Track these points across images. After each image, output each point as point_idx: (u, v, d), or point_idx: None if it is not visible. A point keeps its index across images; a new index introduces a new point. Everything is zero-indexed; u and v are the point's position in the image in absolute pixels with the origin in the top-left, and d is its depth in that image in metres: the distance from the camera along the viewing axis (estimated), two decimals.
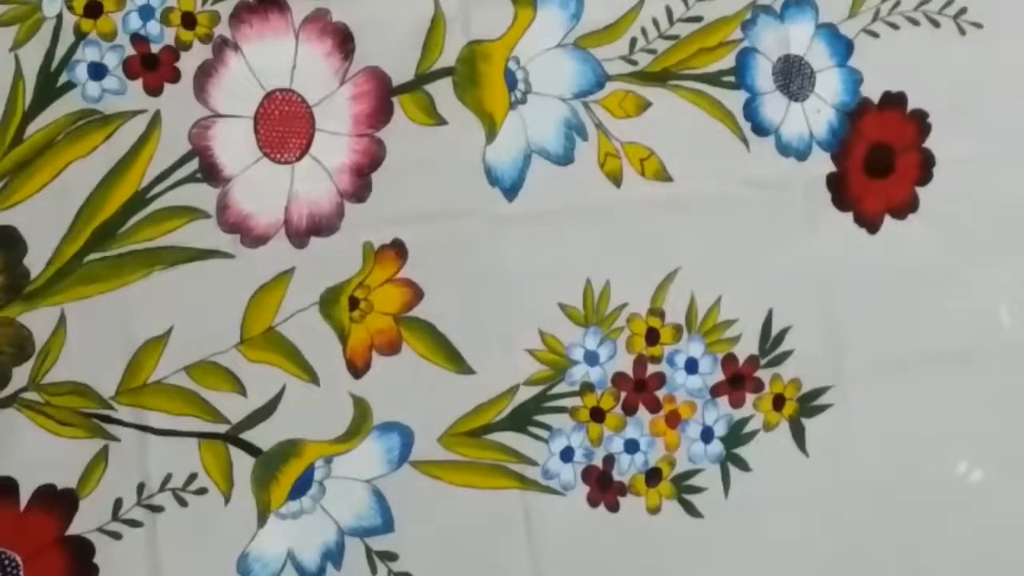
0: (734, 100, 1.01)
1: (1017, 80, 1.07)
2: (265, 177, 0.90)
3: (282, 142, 0.91)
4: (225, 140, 0.90)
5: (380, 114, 0.93)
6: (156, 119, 0.88)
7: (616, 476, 0.99)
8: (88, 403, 0.87)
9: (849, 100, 1.03)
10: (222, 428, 0.90)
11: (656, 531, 0.99)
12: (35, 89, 0.86)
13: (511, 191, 0.96)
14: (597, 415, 0.98)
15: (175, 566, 0.89)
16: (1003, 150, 1.07)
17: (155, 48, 0.88)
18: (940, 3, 1.05)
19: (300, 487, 0.92)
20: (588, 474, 0.98)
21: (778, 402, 1.02)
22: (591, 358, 0.98)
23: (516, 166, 0.96)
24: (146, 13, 0.88)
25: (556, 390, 0.97)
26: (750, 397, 1.02)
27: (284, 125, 0.91)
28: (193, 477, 0.89)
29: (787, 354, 1.02)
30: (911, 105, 1.05)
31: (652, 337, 1.00)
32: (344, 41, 0.92)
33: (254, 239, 0.90)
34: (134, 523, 0.88)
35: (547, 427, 0.97)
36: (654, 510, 1.00)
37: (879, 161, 1.04)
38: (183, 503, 0.89)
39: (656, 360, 1.00)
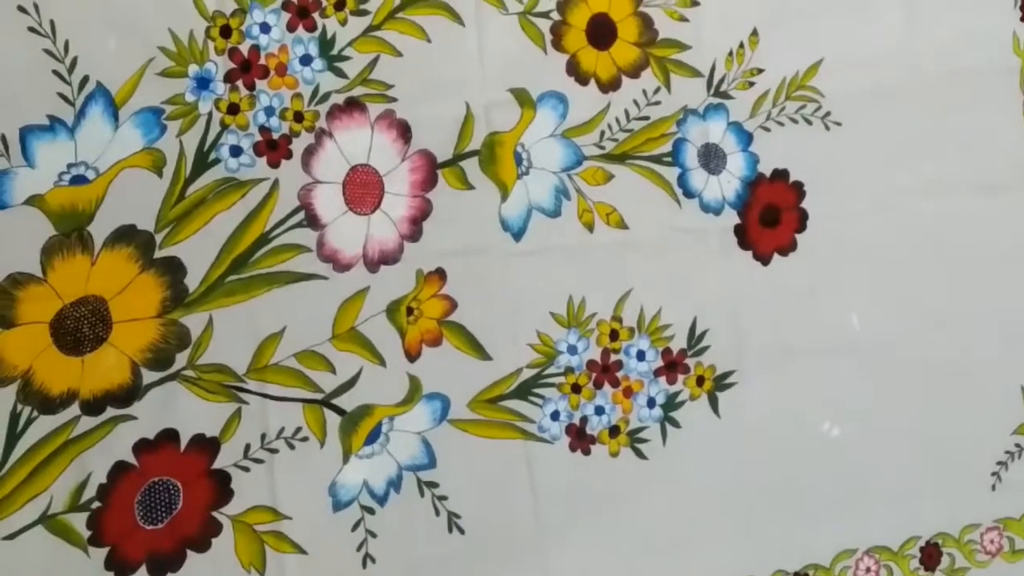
0: (671, 174, 1.01)
1: (865, 160, 1.05)
2: (349, 224, 0.92)
3: (361, 200, 0.92)
4: (322, 199, 0.91)
5: (429, 181, 0.94)
6: (275, 184, 0.90)
7: (588, 431, 0.99)
8: (227, 378, 0.88)
9: (750, 174, 1.03)
10: (319, 396, 0.91)
11: (616, 469, 0.99)
12: (192, 163, 0.87)
13: (518, 235, 0.97)
14: (576, 389, 0.99)
15: (286, 490, 0.90)
16: (855, 209, 1.06)
17: (275, 135, 0.90)
18: (813, 108, 1.05)
19: (372, 437, 0.92)
20: (569, 429, 0.98)
21: (700, 381, 1.02)
22: (572, 349, 0.98)
23: (522, 218, 0.97)
24: (269, 112, 0.89)
25: (548, 371, 0.98)
26: (680, 377, 1.01)
27: (363, 189, 0.92)
28: (299, 429, 0.90)
29: (706, 348, 1.02)
30: (792, 178, 1.05)
31: (614, 335, 1.00)
32: (405, 131, 0.93)
33: (342, 267, 0.91)
34: (258, 460, 0.89)
35: (542, 397, 0.97)
36: (615, 454, 0.99)
37: (770, 216, 1.04)
38: (292, 447, 0.90)
39: (616, 351, 1.00)
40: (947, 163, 1.09)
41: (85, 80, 0.84)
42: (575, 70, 0.98)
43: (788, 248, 1.05)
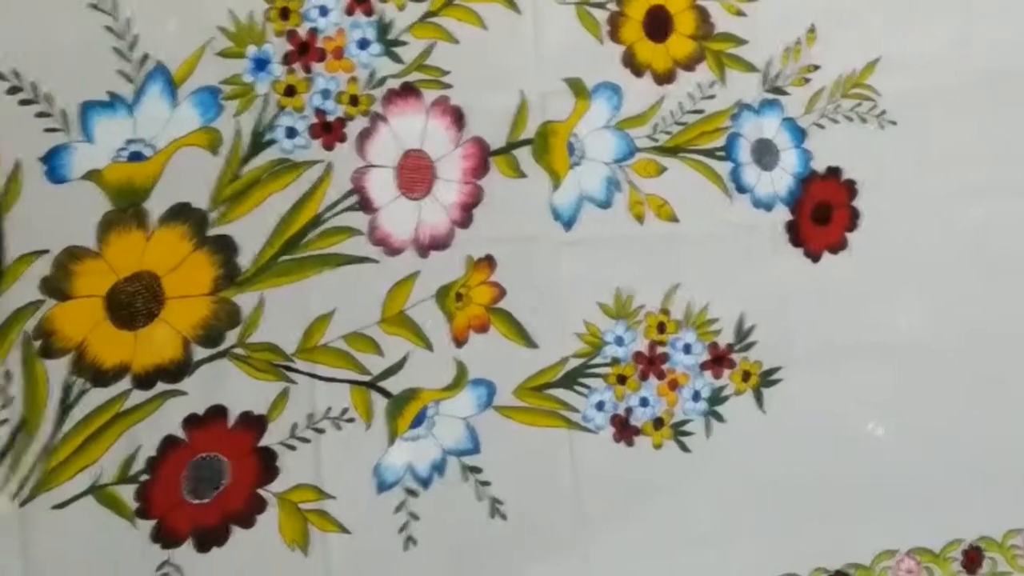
0: (723, 168, 1.01)
1: (919, 160, 1.05)
2: (401, 209, 0.91)
3: (413, 185, 0.92)
4: (375, 183, 0.91)
5: (481, 169, 0.94)
6: (329, 167, 0.89)
7: (632, 422, 0.99)
8: (277, 357, 0.88)
9: (802, 171, 1.03)
10: (366, 378, 0.91)
11: (658, 460, 0.99)
12: (249, 143, 0.87)
13: (568, 224, 0.96)
14: (621, 380, 0.98)
15: (331, 470, 0.90)
16: (906, 209, 1.05)
17: (330, 118, 0.89)
18: (868, 106, 1.04)
19: (418, 420, 0.92)
20: (614, 420, 0.98)
21: (745, 376, 1.02)
22: (619, 341, 0.98)
23: (572, 207, 0.96)
24: (325, 95, 0.89)
25: (594, 362, 0.97)
26: (726, 372, 1.01)
27: (415, 173, 0.92)
28: (345, 411, 0.90)
29: (753, 343, 1.02)
30: (844, 176, 1.04)
31: (661, 328, 1.00)
32: (459, 118, 0.93)
33: (392, 251, 0.91)
34: (304, 440, 0.89)
35: (587, 387, 0.97)
36: (658, 446, 0.99)
37: (822, 213, 1.04)
38: (338, 428, 0.90)
39: (663, 344, 1.00)
40: (999, 167, 1.08)
41: (145, 58, 0.84)
42: (631, 61, 0.98)
43: (839, 246, 1.04)
